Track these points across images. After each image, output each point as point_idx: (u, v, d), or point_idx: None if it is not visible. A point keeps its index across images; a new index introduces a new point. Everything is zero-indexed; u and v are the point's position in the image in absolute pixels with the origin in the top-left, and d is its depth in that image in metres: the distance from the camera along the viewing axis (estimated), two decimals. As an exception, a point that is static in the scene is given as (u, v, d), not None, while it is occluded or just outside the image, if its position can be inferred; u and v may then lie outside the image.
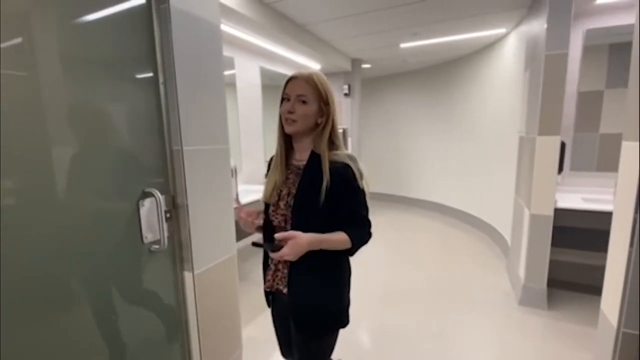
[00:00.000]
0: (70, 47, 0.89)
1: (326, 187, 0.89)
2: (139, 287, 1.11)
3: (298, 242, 0.85)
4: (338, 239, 0.91)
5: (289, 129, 0.95)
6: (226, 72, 2.88)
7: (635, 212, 0.80)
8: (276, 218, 0.98)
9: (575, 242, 2.44)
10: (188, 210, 1.18)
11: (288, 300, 0.97)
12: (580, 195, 2.38)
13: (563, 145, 2.09)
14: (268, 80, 3.54)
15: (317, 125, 0.95)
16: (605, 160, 2.46)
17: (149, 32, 1.08)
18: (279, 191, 0.99)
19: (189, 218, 1.18)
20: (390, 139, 5.52)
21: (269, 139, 3.59)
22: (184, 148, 1.15)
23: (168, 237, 1.14)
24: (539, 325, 2.06)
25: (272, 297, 1.08)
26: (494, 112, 3.62)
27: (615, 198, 0.92)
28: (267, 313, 2.25)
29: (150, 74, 1.10)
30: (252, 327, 2.11)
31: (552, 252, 2.17)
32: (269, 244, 0.89)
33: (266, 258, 1.06)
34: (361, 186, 0.93)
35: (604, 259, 2.39)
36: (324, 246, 0.90)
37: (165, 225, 1.11)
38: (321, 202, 0.89)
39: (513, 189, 2.86)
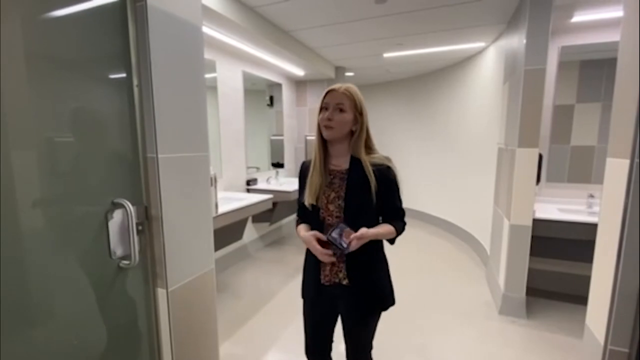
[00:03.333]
0: (35, 43, 0.80)
1: (374, 187, 1.04)
2: (105, 308, 1.01)
3: (363, 239, 1.00)
4: (387, 231, 1.08)
5: (327, 135, 1.07)
6: (207, 76, 2.79)
7: (622, 229, 0.80)
8: (330, 218, 1.10)
9: (552, 252, 2.50)
10: (162, 223, 1.09)
11: (350, 289, 1.10)
12: (556, 206, 2.46)
13: (540, 157, 2.15)
14: (250, 85, 3.48)
15: (351, 132, 1.10)
16: (576, 171, 2.56)
17: (123, 31, 1.01)
18: (327, 194, 1.10)
19: (163, 231, 1.09)
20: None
21: (251, 145, 3.51)
22: (159, 156, 1.06)
23: (139, 251, 1.05)
24: (519, 334, 2.08)
25: (322, 291, 1.15)
26: (474, 123, 3.71)
27: (600, 214, 0.93)
28: (246, 328, 2.18)
29: (124, 76, 1.02)
30: (230, 343, 2.01)
31: (530, 262, 2.22)
32: (342, 247, 1.00)
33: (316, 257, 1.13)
34: (399, 183, 1.11)
35: (580, 268, 2.45)
36: (379, 237, 1.07)
37: (136, 239, 1.02)
38: (373, 202, 1.05)
39: (492, 199, 2.91)
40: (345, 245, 1.00)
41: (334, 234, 1.01)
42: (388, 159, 1.12)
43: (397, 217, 1.12)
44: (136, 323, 1.11)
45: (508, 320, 2.23)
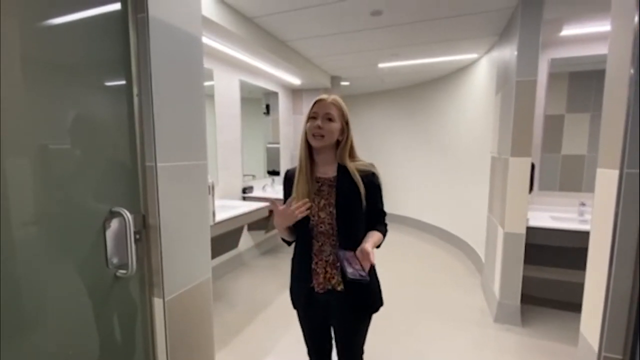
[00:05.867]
0: (36, 51, 0.81)
1: (363, 193, 1.08)
2: (101, 317, 1.00)
3: (370, 254, 1.00)
4: (378, 238, 1.11)
5: (316, 144, 1.09)
6: (205, 84, 2.81)
7: (614, 237, 0.82)
8: (322, 225, 1.11)
9: (545, 259, 2.53)
10: (160, 231, 1.09)
11: (344, 295, 1.11)
12: (548, 214, 2.49)
13: (533, 166, 2.19)
14: (247, 93, 3.50)
15: (338, 142, 1.13)
16: (568, 180, 2.61)
17: (124, 40, 1.02)
18: (317, 202, 1.11)
19: (160, 240, 1.09)
20: (367, 156, 5.56)
21: (248, 153, 3.52)
22: (158, 164, 1.07)
23: (137, 260, 1.04)
24: (514, 342, 2.09)
25: (314, 299, 1.15)
26: (467, 132, 3.77)
27: (592, 222, 0.95)
28: (242, 336, 2.15)
29: (124, 85, 1.03)
30: (226, 353, 1.99)
31: (524, 269, 2.24)
32: (363, 278, 0.95)
33: (309, 264, 1.14)
34: (381, 186, 1.16)
35: (573, 275, 2.48)
36: (374, 247, 1.08)
37: (133, 248, 1.02)
38: (362, 206, 1.09)
39: (486, 207, 2.95)
40: (364, 275, 0.95)
41: (349, 269, 0.96)
42: (372, 165, 1.16)
43: (380, 219, 1.17)
44: (132, 333, 1.10)
45: (503, 328, 2.24)
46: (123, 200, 1.03)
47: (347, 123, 1.13)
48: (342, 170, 1.12)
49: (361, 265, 0.97)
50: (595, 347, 0.89)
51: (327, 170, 1.15)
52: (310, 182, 1.12)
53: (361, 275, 0.94)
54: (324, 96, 1.13)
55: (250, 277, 3.16)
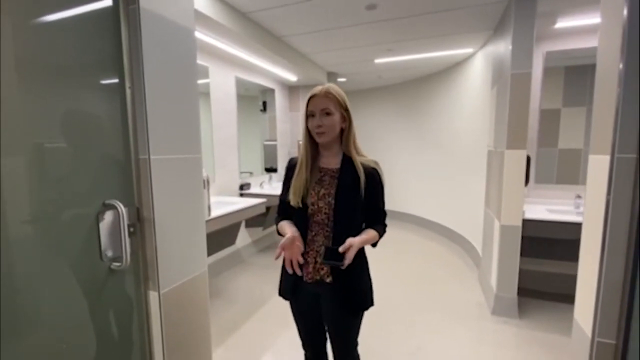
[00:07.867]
0: (28, 48, 0.80)
1: (363, 186, 1.08)
2: (95, 311, 1.00)
3: (354, 248, 1.02)
4: (372, 236, 1.11)
5: (322, 140, 1.10)
6: (200, 81, 2.80)
7: (605, 221, 0.82)
8: (319, 214, 1.11)
9: (541, 252, 2.54)
10: (154, 224, 1.09)
11: (334, 288, 1.11)
12: (544, 207, 2.50)
13: (528, 159, 2.20)
14: (243, 91, 3.49)
15: (342, 131, 1.13)
16: (564, 173, 2.62)
17: (115, 34, 1.01)
18: (316, 190, 1.11)
19: (155, 232, 1.09)
20: (365, 152, 5.59)
21: (244, 150, 3.51)
22: (152, 157, 1.06)
23: (131, 253, 1.04)
24: (511, 334, 2.10)
25: (302, 288, 1.16)
26: (464, 126, 3.77)
27: (585, 208, 0.95)
28: (239, 334, 2.16)
29: (116, 79, 1.02)
30: (224, 350, 1.99)
31: (520, 262, 2.24)
32: (338, 262, 1.01)
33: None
34: (383, 185, 1.15)
35: (569, 267, 2.49)
36: (365, 244, 1.09)
37: (128, 241, 1.01)
38: (361, 201, 1.09)
39: (483, 201, 2.95)
40: (340, 261, 1.01)
41: (326, 259, 1.04)
42: (376, 162, 1.15)
43: (379, 219, 1.16)
44: (127, 326, 1.10)
45: (501, 321, 2.25)
46: (116, 193, 1.03)
47: (346, 110, 1.11)
48: (347, 162, 1.12)
49: (343, 255, 1.01)
50: (589, 332, 0.89)
51: (331, 162, 1.15)
52: (307, 179, 1.12)
53: (336, 264, 1.01)
54: (316, 91, 1.09)
55: (248, 275, 3.16)
